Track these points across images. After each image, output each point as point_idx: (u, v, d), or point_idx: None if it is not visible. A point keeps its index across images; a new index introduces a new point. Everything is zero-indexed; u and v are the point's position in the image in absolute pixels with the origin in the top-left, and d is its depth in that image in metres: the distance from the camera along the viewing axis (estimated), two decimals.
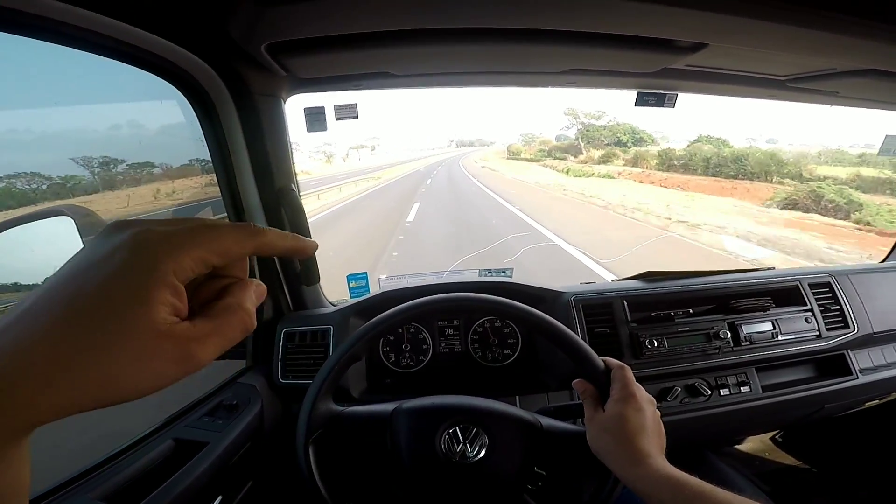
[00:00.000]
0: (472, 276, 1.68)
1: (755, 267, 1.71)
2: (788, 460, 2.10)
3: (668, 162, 26.94)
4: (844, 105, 1.52)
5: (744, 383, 1.45)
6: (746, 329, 1.45)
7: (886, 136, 1.76)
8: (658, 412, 0.82)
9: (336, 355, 0.95)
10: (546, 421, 0.94)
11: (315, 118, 1.36)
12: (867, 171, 16.51)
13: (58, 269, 0.29)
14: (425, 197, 17.42)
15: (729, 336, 1.43)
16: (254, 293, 0.36)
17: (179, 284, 0.30)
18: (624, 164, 30.44)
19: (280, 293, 1.46)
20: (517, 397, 1.33)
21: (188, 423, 1.15)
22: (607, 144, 41.21)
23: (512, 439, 0.91)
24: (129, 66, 0.95)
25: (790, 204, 14.05)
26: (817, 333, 1.51)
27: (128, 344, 0.27)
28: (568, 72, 1.29)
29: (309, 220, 1.38)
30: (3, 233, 0.90)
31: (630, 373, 0.85)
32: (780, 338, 1.47)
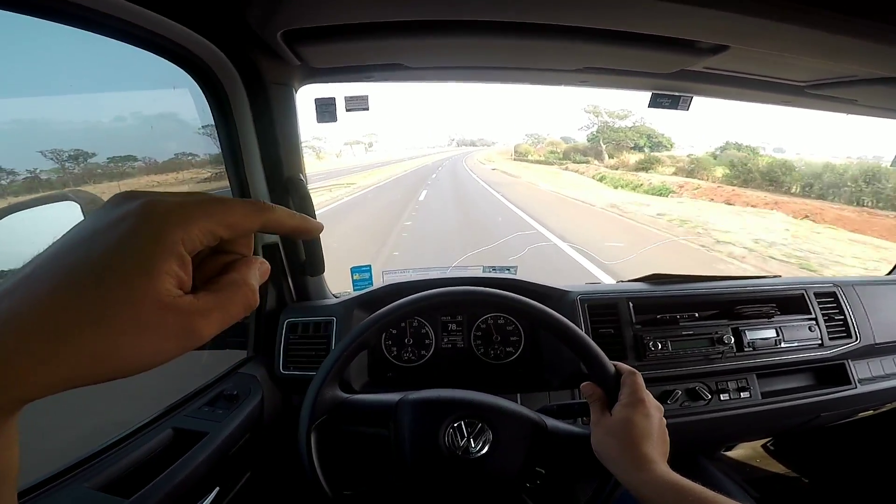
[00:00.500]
0: (477, 272, 1.67)
1: (762, 274, 1.70)
2: (779, 468, 2.11)
3: (743, 175, 21.30)
4: (861, 114, 1.51)
5: (744, 389, 1.45)
6: (750, 335, 1.45)
7: None
8: (664, 420, 0.82)
9: (346, 342, 0.94)
10: (551, 421, 0.94)
11: (325, 109, 1.35)
12: None
13: (61, 236, 0.28)
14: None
15: (732, 341, 1.43)
16: (258, 270, 0.36)
17: (187, 255, 0.29)
18: (674, 173, 24.60)
19: (284, 283, 1.45)
20: (518, 395, 1.33)
21: (188, 412, 1.15)
22: (632, 148, 37.48)
23: (516, 437, 0.90)
24: (139, 51, 0.93)
25: None
26: (820, 342, 1.51)
27: (129, 315, 0.26)
28: (582, 70, 1.27)
29: None
30: (7, 217, 0.89)
31: (641, 379, 0.85)
32: (783, 345, 1.47)
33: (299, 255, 1.42)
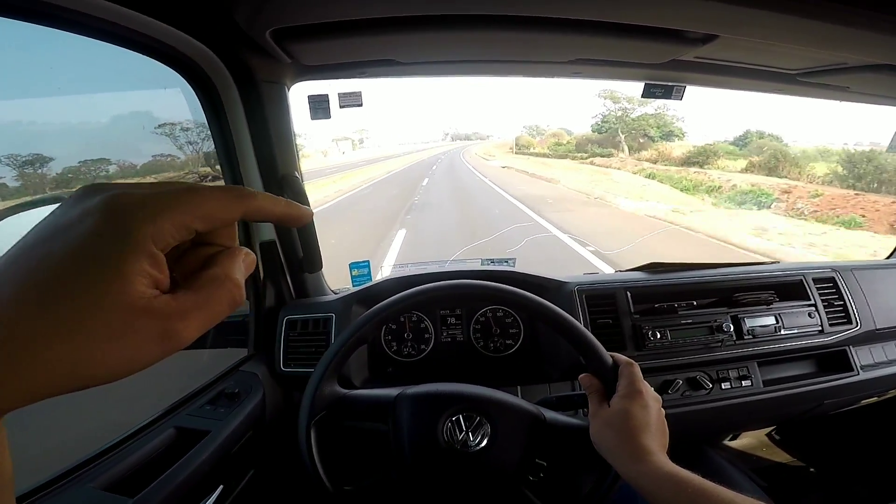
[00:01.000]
0: (475, 266, 1.67)
1: (760, 260, 1.70)
2: (785, 457, 2.11)
3: (869, 175, 14.71)
4: (854, 101, 1.51)
5: (745, 377, 1.45)
6: (749, 323, 1.45)
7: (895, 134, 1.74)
8: (663, 411, 0.82)
9: (344, 337, 0.94)
10: (549, 414, 0.94)
11: (319, 105, 1.35)
12: None
13: (22, 236, 0.26)
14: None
15: (732, 329, 1.43)
16: (242, 263, 0.33)
17: (159, 253, 0.27)
18: (746, 169, 19.46)
19: (282, 280, 1.46)
20: (518, 387, 1.33)
21: (189, 411, 1.15)
22: (645, 137, 33.14)
23: (514, 430, 0.91)
24: (130, 53, 0.94)
25: None
26: (820, 328, 1.51)
27: (101, 321, 0.24)
28: (574, 61, 1.27)
29: None
30: (7, 219, 0.90)
31: (638, 369, 0.85)
32: (782, 332, 1.47)
33: (297, 252, 1.42)
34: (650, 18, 0.93)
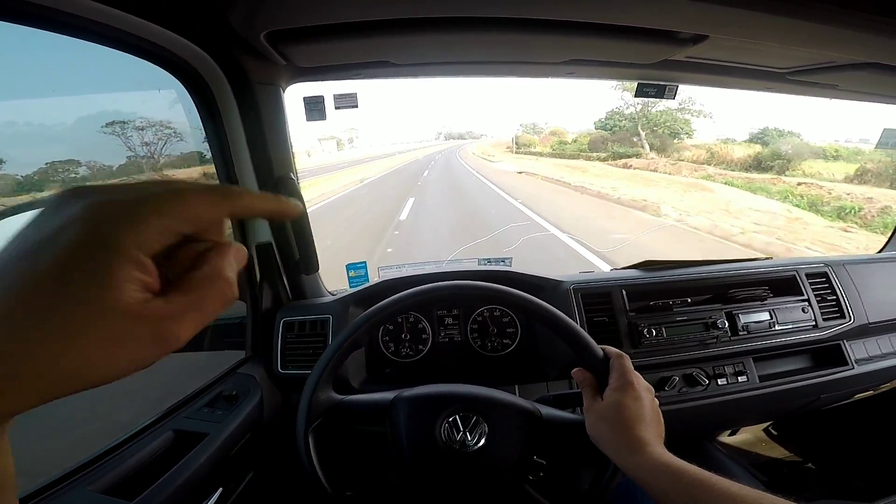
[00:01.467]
0: (472, 265, 1.68)
1: (753, 256, 1.71)
2: (783, 452, 2.12)
3: None
4: (843, 98, 1.53)
5: (741, 373, 1.46)
6: (744, 318, 1.46)
7: (884, 129, 1.76)
8: (657, 400, 0.83)
9: (337, 342, 0.94)
10: (545, 410, 0.94)
11: (314, 107, 1.35)
12: None
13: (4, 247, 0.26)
14: None
15: (727, 325, 1.44)
16: (234, 258, 0.33)
17: (145, 259, 0.27)
18: (854, 177, 15.38)
19: (279, 282, 1.46)
20: (516, 386, 1.34)
21: (187, 414, 1.15)
22: (665, 134, 30.02)
23: (511, 428, 0.91)
24: (124, 55, 0.93)
25: None
26: (814, 323, 1.52)
27: (95, 329, 0.25)
28: (568, 62, 1.28)
29: None
30: (7, 219, 0.90)
31: (628, 361, 0.85)
32: (777, 327, 1.48)
33: (293, 253, 1.42)
34: (642, 19, 0.94)
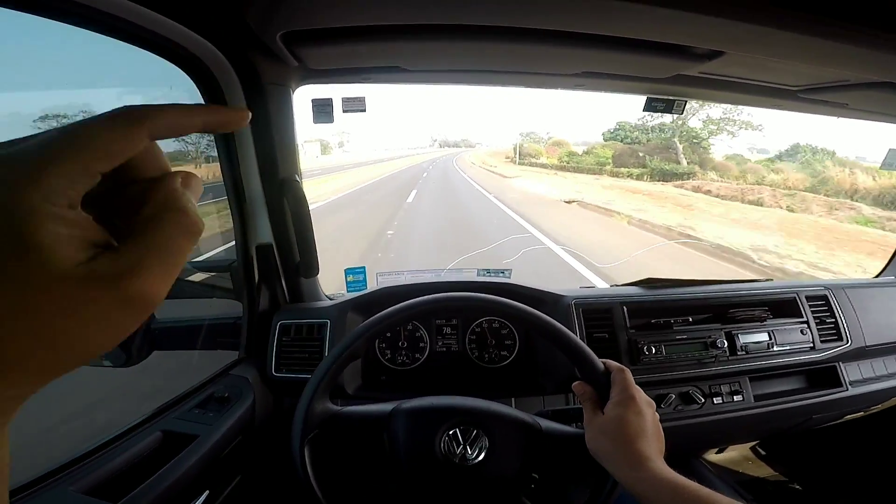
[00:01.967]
0: (471, 276, 1.66)
1: (755, 278, 1.72)
2: (769, 471, 2.13)
3: None
4: (852, 117, 1.53)
5: (737, 392, 1.47)
6: (743, 339, 1.46)
7: (890, 149, 1.77)
8: (657, 415, 0.82)
9: (335, 353, 0.92)
10: (545, 423, 0.93)
11: (322, 109, 1.34)
12: None
13: None
14: None
15: (726, 345, 1.44)
16: (186, 186, 0.29)
17: (71, 211, 0.23)
18: None
19: (277, 284, 1.44)
20: (513, 399, 1.33)
21: (177, 414, 1.13)
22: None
23: (512, 442, 0.90)
24: (135, 49, 0.92)
25: None
26: (811, 345, 1.53)
27: (41, 304, 0.22)
28: (580, 74, 1.28)
29: None
30: None
31: (630, 375, 0.84)
32: (775, 348, 1.49)
33: (294, 255, 1.41)
34: (658, 34, 0.94)
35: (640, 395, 0.82)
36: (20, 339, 0.22)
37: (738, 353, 1.45)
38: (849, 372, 1.59)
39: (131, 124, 0.25)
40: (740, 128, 25.59)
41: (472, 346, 1.50)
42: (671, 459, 0.71)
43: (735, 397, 1.46)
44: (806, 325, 1.54)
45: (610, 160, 29.82)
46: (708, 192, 17.86)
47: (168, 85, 1.13)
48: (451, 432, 0.89)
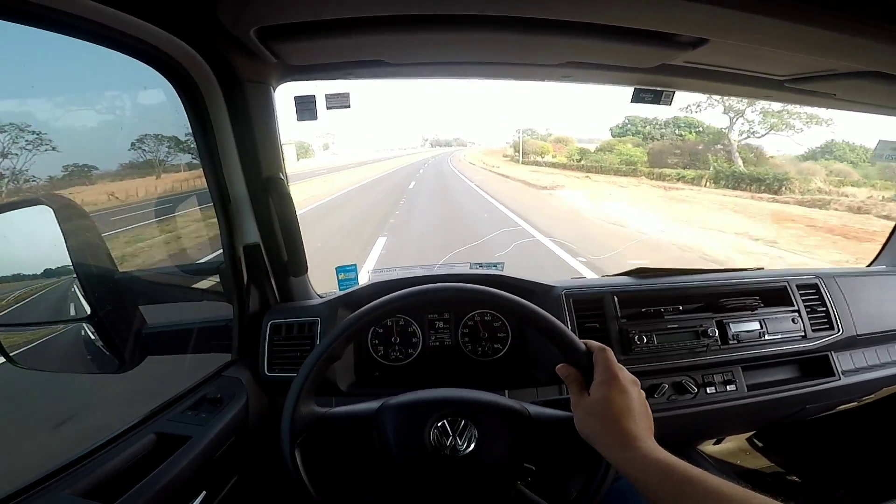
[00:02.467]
0: (464, 269, 1.66)
1: (745, 267, 1.72)
2: (766, 462, 2.14)
3: None
4: (840, 108, 1.54)
5: (730, 382, 1.47)
6: (734, 328, 1.47)
7: (879, 140, 1.78)
8: (643, 393, 0.82)
9: (312, 357, 0.92)
10: (534, 409, 0.93)
11: (305, 107, 1.34)
12: None
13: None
14: None
15: (717, 334, 1.45)
16: None
17: None
18: None
19: (267, 284, 1.44)
20: (506, 391, 1.33)
21: (170, 416, 1.13)
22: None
23: (501, 429, 0.90)
24: (110, 51, 0.91)
25: None
26: (803, 334, 1.53)
27: None
28: (565, 65, 1.28)
29: None
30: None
31: (611, 354, 0.84)
32: (766, 337, 1.49)
33: (281, 255, 1.40)
34: (642, 21, 0.93)
35: (624, 373, 0.81)
36: None
37: (730, 342, 1.45)
38: (841, 361, 1.60)
39: None
40: (806, 123, 22.13)
41: (464, 339, 1.51)
42: (668, 450, 0.71)
43: (728, 387, 1.46)
44: (797, 314, 1.54)
45: (643, 158, 26.23)
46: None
47: (143, 85, 1.12)
48: (439, 424, 0.89)
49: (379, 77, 1.34)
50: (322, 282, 1.64)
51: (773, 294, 1.57)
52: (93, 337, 1.11)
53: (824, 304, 1.59)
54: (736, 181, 19.14)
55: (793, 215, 13.69)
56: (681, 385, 1.42)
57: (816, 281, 1.62)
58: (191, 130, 1.20)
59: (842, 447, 2.04)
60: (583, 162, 30.91)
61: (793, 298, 1.56)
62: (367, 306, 0.94)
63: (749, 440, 2.22)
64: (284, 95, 1.32)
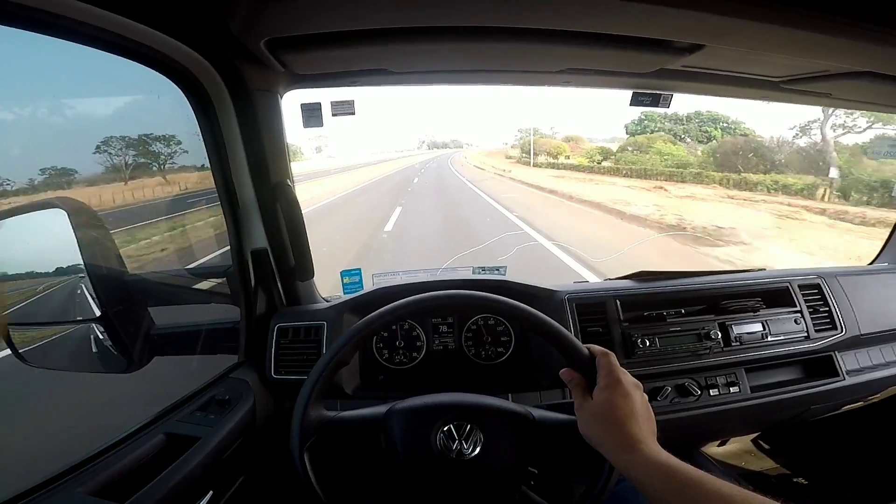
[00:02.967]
0: (466, 274, 1.68)
1: (746, 268, 1.73)
2: (771, 463, 2.13)
3: None
4: (836, 106, 1.55)
5: (733, 384, 1.47)
6: (737, 329, 1.47)
7: (875, 136, 1.78)
8: (646, 396, 0.83)
9: (322, 363, 0.94)
10: (538, 412, 0.95)
11: (311, 114, 1.37)
12: None
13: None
14: None
15: (720, 336, 1.45)
16: None
17: None
18: None
19: (273, 288, 1.45)
20: (510, 395, 1.34)
21: (180, 417, 1.15)
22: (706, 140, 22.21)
23: (506, 434, 0.92)
24: (124, 60, 0.94)
25: None
26: (806, 335, 1.53)
27: None
28: (565, 71, 1.30)
29: None
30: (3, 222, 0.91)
31: (614, 358, 0.85)
32: (769, 339, 1.49)
33: (288, 260, 1.43)
34: (639, 29, 0.95)
35: (626, 377, 0.83)
36: None
37: (733, 343, 1.46)
38: (845, 361, 1.60)
39: None
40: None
41: (468, 343, 1.52)
42: (672, 452, 0.72)
43: (731, 388, 1.46)
44: (800, 315, 1.54)
45: (689, 159, 21.71)
46: None
47: (156, 94, 1.15)
48: (445, 429, 0.90)
49: (383, 84, 1.37)
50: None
51: (775, 295, 1.58)
52: (102, 336, 1.13)
53: (827, 304, 1.59)
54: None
55: None
56: (684, 387, 1.43)
57: (818, 281, 1.62)
58: (201, 136, 1.23)
59: (849, 447, 2.02)
60: (607, 163, 25.91)
61: (795, 299, 1.56)
62: (374, 313, 0.96)
63: (754, 441, 2.21)
64: (290, 102, 1.34)
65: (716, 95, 1.50)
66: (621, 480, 0.88)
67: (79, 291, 1.04)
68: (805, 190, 15.66)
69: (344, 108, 1.38)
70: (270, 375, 1.36)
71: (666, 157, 23.36)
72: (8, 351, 0.90)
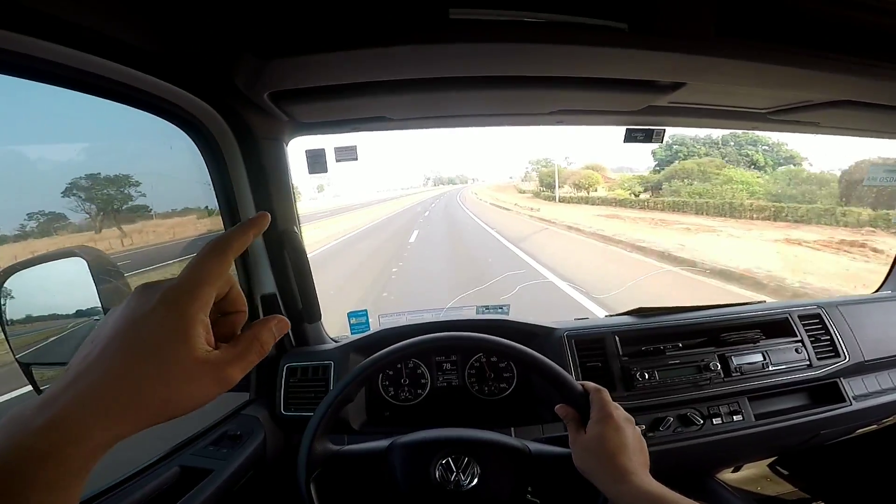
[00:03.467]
0: (470, 314, 1.72)
1: (745, 301, 1.74)
2: (788, 488, 2.10)
3: None
4: (826, 134, 1.58)
5: (736, 412, 1.48)
6: (737, 360, 1.49)
7: (871, 165, 1.81)
8: (638, 429, 0.86)
9: (328, 400, 0.99)
10: (534, 446, 0.99)
11: (316, 160, 1.42)
12: None
13: (103, 328, 0.39)
14: None
15: (719, 367, 1.47)
16: (274, 328, 0.46)
17: (206, 319, 0.40)
18: None
19: None
20: (512, 429, 1.36)
21: (194, 451, 1.20)
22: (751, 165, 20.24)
23: (502, 466, 0.96)
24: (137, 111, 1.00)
25: None
26: (808, 363, 1.54)
27: (181, 371, 0.38)
28: (556, 112, 1.35)
29: None
30: (19, 272, 0.97)
31: (607, 394, 0.89)
32: (770, 368, 1.50)
33: (297, 303, 1.47)
34: (622, 72, 1.00)
35: (619, 412, 0.87)
36: (158, 393, 0.37)
37: (733, 374, 1.48)
38: (852, 387, 1.60)
39: (223, 252, 0.42)
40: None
41: (471, 380, 1.55)
42: (681, 479, 0.74)
43: (735, 417, 1.47)
44: (800, 344, 1.55)
45: (784, 189, 17.42)
46: None
47: (168, 145, 1.20)
48: (444, 461, 0.95)
49: (383, 129, 1.42)
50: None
51: (774, 326, 1.59)
52: None
53: (828, 333, 1.60)
54: None
55: None
56: (686, 417, 1.44)
57: (819, 311, 1.63)
58: (211, 184, 1.28)
59: (867, 470, 1.99)
60: (645, 195, 21.64)
61: (795, 329, 1.58)
62: (376, 354, 1.01)
63: (771, 466, 2.18)
64: (294, 147, 1.39)
65: (706, 127, 1.54)
66: None
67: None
68: None
69: (347, 154, 1.42)
70: (280, 412, 1.40)
71: (737, 185, 19.20)
72: (29, 387, 0.95)
